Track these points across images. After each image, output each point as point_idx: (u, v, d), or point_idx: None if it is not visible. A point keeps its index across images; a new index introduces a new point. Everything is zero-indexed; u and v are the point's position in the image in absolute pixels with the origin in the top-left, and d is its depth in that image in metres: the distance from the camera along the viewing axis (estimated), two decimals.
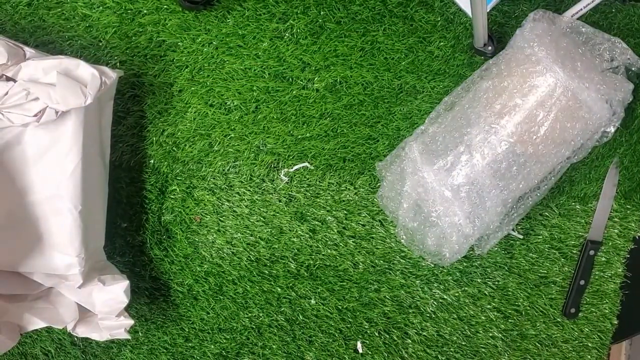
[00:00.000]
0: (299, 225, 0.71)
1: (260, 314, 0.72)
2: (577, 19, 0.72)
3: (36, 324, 0.63)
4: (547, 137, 0.61)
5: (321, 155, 0.71)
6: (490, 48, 0.70)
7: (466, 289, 0.73)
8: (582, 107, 0.61)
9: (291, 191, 0.71)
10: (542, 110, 0.60)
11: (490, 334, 0.74)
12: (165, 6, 0.69)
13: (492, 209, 0.62)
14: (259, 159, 0.71)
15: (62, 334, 0.71)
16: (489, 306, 0.73)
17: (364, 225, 0.72)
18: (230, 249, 0.71)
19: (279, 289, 0.72)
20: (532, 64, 0.61)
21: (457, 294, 0.73)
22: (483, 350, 0.74)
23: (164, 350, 0.73)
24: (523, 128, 0.60)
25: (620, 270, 0.74)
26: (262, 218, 0.71)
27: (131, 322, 0.63)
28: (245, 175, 0.71)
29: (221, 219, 0.71)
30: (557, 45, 0.62)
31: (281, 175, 0.71)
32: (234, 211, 0.71)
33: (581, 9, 0.72)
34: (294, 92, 0.70)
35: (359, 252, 0.72)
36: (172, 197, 0.71)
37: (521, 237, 0.73)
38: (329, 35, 0.70)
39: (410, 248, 0.68)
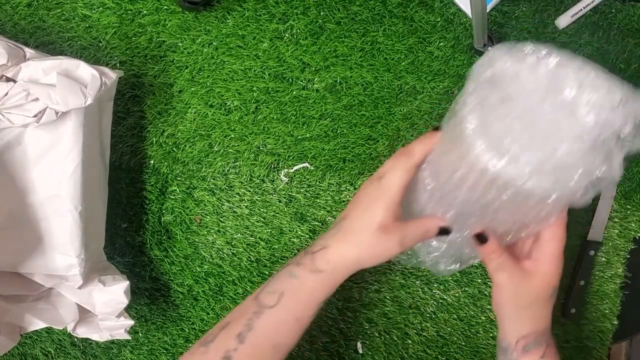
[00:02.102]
0: (299, 226, 0.71)
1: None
2: (577, 19, 0.72)
3: (36, 324, 0.63)
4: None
5: (321, 155, 0.71)
6: (490, 48, 0.69)
7: (466, 289, 0.73)
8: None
9: (291, 192, 0.71)
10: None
11: (491, 335, 0.74)
12: (165, 7, 0.69)
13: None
14: (258, 160, 0.71)
15: (62, 334, 0.71)
16: (489, 306, 0.73)
17: None
18: (231, 249, 0.71)
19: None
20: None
21: (457, 295, 0.73)
22: (483, 350, 0.74)
23: (164, 351, 0.73)
24: None
25: (620, 271, 0.74)
26: (262, 219, 0.71)
27: (131, 322, 0.63)
28: (245, 175, 0.71)
29: (221, 219, 0.71)
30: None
31: (281, 176, 0.71)
32: (234, 212, 0.71)
33: (581, 10, 0.72)
34: (294, 92, 0.70)
35: None
36: (172, 197, 0.71)
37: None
38: (329, 35, 0.70)
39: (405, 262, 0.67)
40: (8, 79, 0.54)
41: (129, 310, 0.64)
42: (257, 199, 0.71)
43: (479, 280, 0.73)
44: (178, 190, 0.71)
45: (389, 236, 0.53)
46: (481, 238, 0.55)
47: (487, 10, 0.70)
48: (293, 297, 0.53)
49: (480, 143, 0.46)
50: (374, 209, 0.54)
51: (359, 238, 0.54)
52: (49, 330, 0.71)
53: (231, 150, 0.70)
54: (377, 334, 0.73)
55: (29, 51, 0.57)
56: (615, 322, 0.75)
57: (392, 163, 0.55)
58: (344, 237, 0.54)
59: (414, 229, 0.55)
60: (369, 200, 0.55)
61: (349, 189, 0.71)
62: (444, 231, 0.56)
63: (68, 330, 0.65)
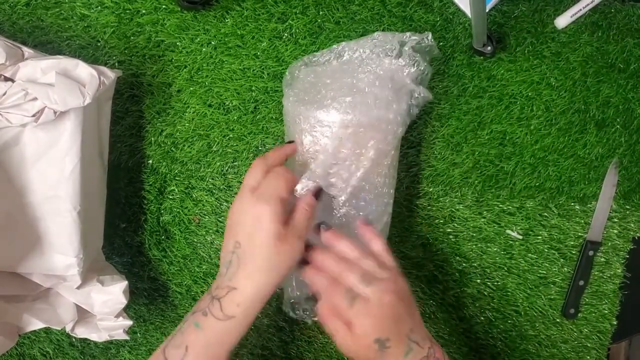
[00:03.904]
0: None
1: (260, 315, 0.72)
2: (577, 19, 0.72)
3: (35, 324, 0.63)
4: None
5: None
6: (489, 48, 0.70)
7: (465, 289, 0.73)
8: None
9: None
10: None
11: (490, 335, 0.74)
12: (163, 6, 0.68)
13: None
14: None
15: (61, 334, 0.71)
16: (488, 307, 0.73)
17: None
18: None
19: (278, 290, 0.71)
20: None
21: (456, 295, 0.73)
22: (482, 350, 0.74)
23: None
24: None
25: (619, 271, 0.74)
26: None
27: (130, 322, 0.63)
28: (244, 176, 0.70)
29: (220, 219, 0.71)
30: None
31: None
32: None
33: (580, 9, 0.72)
34: None
35: None
36: (170, 197, 0.71)
37: (520, 237, 0.73)
38: (327, 35, 0.70)
39: None
40: (6, 79, 0.54)
41: (127, 310, 0.64)
42: None
43: (478, 281, 0.73)
44: (177, 190, 0.70)
45: (288, 240, 0.52)
46: (314, 298, 0.57)
47: (487, 10, 0.70)
48: (199, 352, 0.50)
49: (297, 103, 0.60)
50: (263, 226, 0.52)
51: (263, 264, 0.51)
52: (47, 331, 0.71)
53: (230, 150, 0.70)
54: None
55: (27, 50, 0.57)
56: (615, 323, 0.75)
57: (257, 174, 0.55)
58: (248, 272, 0.51)
59: (299, 215, 0.54)
60: (252, 219, 0.52)
61: None
62: (317, 193, 0.57)
63: (66, 331, 0.65)
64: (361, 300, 0.51)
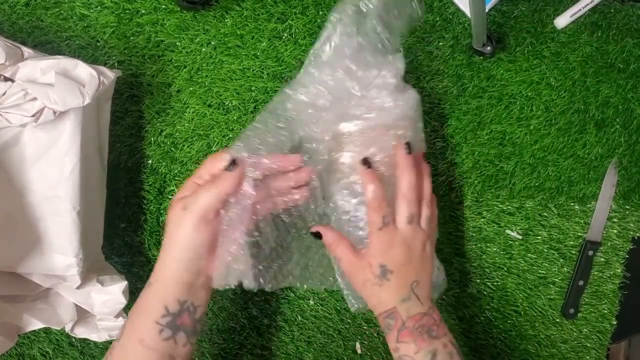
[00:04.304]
0: None
1: (259, 315, 0.72)
2: (577, 19, 0.72)
3: (34, 324, 0.63)
4: None
5: None
6: (489, 48, 0.70)
7: (465, 289, 0.73)
8: None
9: None
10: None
11: (490, 335, 0.74)
12: (163, 6, 0.68)
13: None
14: None
15: (61, 334, 0.71)
16: (488, 307, 0.73)
17: None
18: None
19: (277, 290, 0.72)
20: None
21: (456, 294, 0.73)
22: (482, 350, 0.74)
23: None
24: None
25: (619, 271, 0.74)
26: None
27: None
28: None
29: None
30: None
31: None
32: None
33: (580, 9, 0.72)
34: None
35: None
36: (170, 197, 0.71)
37: (520, 237, 0.73)
38: None
39: None
40: (6, 79, 0.54)
41: (127, 310, 0.64)
42: None
43: (478, 280, 0.73)
44: (176, 190, 0.70)
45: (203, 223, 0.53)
46: (316, 235, 0.58)
47: (486, 10, 0.70)
48: (132, 323, 0.53)
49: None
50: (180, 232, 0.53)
51: (176, 239, 0.53)
52: (47, 331, 0.71)
53: None
54: (375, 335, 0.73)
55: (27, 50, 0.57)
56: (614, 323, 0.75)
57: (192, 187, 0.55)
58: (166, 244, 0.54)
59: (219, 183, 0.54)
60: (176, 226, 0.54)
61: None
62: (232, 162, 0.54)
63: (66, 331, 0.65)
64: (386, 228, 0.55)
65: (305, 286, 0.69)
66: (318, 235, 0.59)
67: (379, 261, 0.55)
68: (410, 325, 0.55)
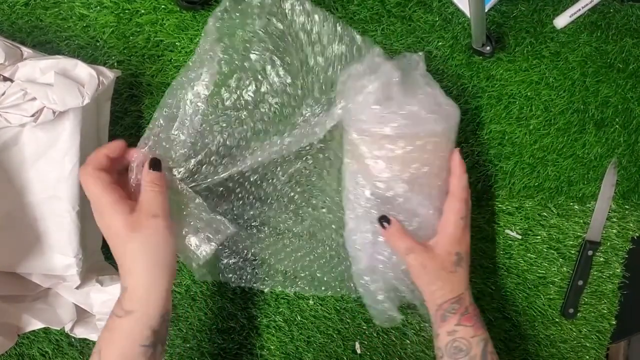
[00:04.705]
0: None
1: (259, 315, 0.72)
2: (576, 19, 0.72)
3: (34, 324, 0.63)
4: None
5: None
6: (488, 48, 0.70)
7: None
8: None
9: None
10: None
11: (490, 335, 0.74)
12: (162, 6, 0.68)
13: None
14: None
15: (60, 334, 0.71)
16: (487, 307, 0.73)
17: None
18: None
19: (277, 290, 0.71)
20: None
21: None
22: None
23: None
24: None
25: (618, 271, 0.74)
26: None
27: None
28: None
29: None
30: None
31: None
32: None
33: (579, 9, 0.72)
34: None
35: None
36: None
37: (520, 237, 0.73)
38: None
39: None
40: (5, 79, 0.54)
41: None
42: None
43: (478, 280, 0.73)
44: None
45: (142, 224, 0.51)
46: (384, 220, 0.57)
47: (486, 10, 0.70)
48: (110, 351, 0.51)
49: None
50: (110, 228, 0.52)
51: (133, 257, 0.52)
52: (46, 331, 0.70)
53: None
54: (375, 334, 0.73)
55: (26, 50, 0.57)
56: (614, 322, 0.75)
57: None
58: (126, 269, 0.52)
59: (144, 195, 0.53)
60: (101, 225, 0.53)
61: None
62: (154, 164, 0.55)
63: (66, 331, 0.65)
64: (465, 218, 0.60)
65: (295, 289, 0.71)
66: (385, 221, 0.58)
67: (456, 249, 0.59)
68: (471, 311, 0.59)
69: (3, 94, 0.53)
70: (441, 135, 0.58)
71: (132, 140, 0.69)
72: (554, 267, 0.74)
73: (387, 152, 0.56)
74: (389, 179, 0.57)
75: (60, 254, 0.59)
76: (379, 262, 0.61)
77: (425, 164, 0.58)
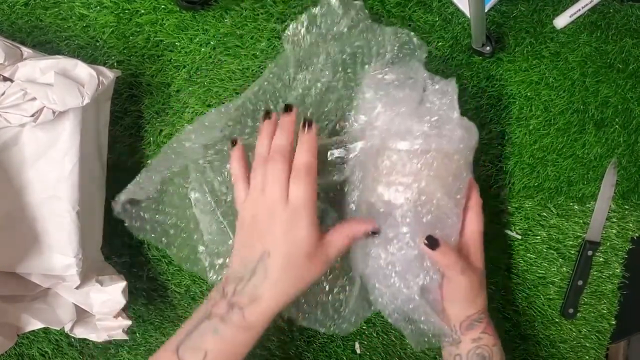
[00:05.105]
0: None
1: None
2: (576, 19, 0.73)
3: (34, 324, 0.63)
4: None
5: None
6: (488, 48, 0.70)
7: None
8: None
9: None
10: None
11: None
12: (162, 6, 0.68)
13: None
14: None
15: (60, 334, 0.71)
16: (487, 307, 0.73)
17: None
18: None
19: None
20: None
21: None
22: None
23: None
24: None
25: (618, 271, 0.74)
26: None
27: (129, 322, 0.63)
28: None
29: None
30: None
31: None
32: None
33: (579, 10, 0.72)
34: None
35: None
36: None
37: (519, 237, 0.73)
38: None
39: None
40: (5, 79, 0.54)
41: (126, 310, 0.64)
42: None
43: None
44: None
45: (316, 260, 0.51)
46: (432, 241, 0.55)
47: (486, 10, 0.70)
48: (216, 358, 0.50)
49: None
50: (297, 237, 0.50)
51: (290, 277, 0.50)
52: (46, 331, 0.70)
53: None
54: (375, 335, 0.73)
55: (26, 50, 0.57)
56: (614, 322, 0.75)
57: (288, 177, 0.51)
58: (274, 283, 0.50)
59: (338, 241, 0.52)
60: (286, 228, 0.50)
61: None
62: (374, 232, 0.55)
63: (65, 331, 0.64)
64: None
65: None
66: (434, 243, 0.55)
67: (483, 265, 0.60)
68: (490, 321, 0.61)
69: (3, 93, 0.53)
70: (457, 153, 0.57)
71: (132, 140, 0.69)
72: (554, 267, 0.74)
73: (404, 166, 0.56)
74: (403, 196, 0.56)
75: (60, 254, 0.59)
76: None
77: (440, 181, 0.56)
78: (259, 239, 0.51)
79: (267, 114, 0.56)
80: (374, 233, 0.55)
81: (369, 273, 0.59)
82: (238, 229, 0.55)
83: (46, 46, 0.67)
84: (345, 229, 0.54)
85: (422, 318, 0.58)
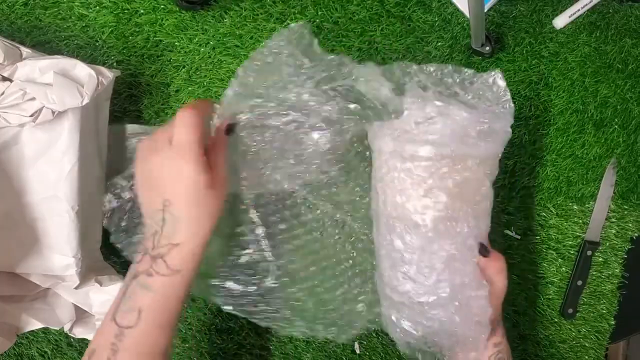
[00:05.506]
0: None
1: None
2: (575, 19, 0.73)
3: (33, 324, 0.63)
4: None
5: None
6: (487, 48, 0.70)
7: None
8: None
9: None
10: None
11: None
12: (162, 6, 0.68)
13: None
14: None
15: (59, 335, 0.71)
16: None
17: None
18: None
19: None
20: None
21: None
22: None
23: None
24: None
25: (617, 271, 0.74)
26: None
27: None
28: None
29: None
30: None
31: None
32: None
33: (579, 10, 0.72)
34: None
35: None
36: None
37: (519, 237, 0.73)
38: (326, 35, 0.70)
39: None
40: (4, 78, 0.54)
41: None
42: None
43: None
44: None
45: (215, 184, 0.51)
46: (483, 249, 0.56)
47: (485, 10, 0.70)
48: (152, 311, 0.50)
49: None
50: (189, 180, 0.50)
51: (198, 215, 0.51)
52: (45, 331, 0.70)
53: None
54: (374, 335, 0.73)
55: (25, 50, 0.57)
56: (613, 322, 0.75)
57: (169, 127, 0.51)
58: (185, 225, 0.50)
59: (218, 157, 0.52)
60: (175, 175, 0.50)
61: None
62: (230, 128, 0.54)
63: (65, 331, 0.64)
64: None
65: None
66: (486, 251, 0.56)
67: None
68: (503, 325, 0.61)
69: (2, 93, 0.53)
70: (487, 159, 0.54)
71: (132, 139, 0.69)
72: (553, 267, 0.74)
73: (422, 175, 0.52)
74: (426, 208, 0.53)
75: (59, 253, 0.59)
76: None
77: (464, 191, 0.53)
78: (156, 190, 0.52)
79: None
80: (230, 129, 0.54)
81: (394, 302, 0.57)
82: (137, 189, 0.55)
83: (45, 46, 0.67)
84: (218, 143, 0.53)
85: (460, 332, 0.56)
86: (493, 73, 0.55)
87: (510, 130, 0.54)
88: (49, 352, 0.71)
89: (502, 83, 0.55)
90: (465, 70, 0.55)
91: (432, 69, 0.55)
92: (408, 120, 0.52)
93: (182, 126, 0.50)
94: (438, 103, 0.51)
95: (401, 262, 0.54)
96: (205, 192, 0.50)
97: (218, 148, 0.53)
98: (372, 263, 0.61)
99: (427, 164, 0.52)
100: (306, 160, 0.56)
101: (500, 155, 0.56)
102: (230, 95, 0.55)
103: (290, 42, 0.55)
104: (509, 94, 0.55)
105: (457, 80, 0.56)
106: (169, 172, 0.51)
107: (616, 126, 0.74)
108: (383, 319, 0.60)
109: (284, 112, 0.54)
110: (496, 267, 0.57)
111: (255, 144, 0.56)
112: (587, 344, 0.75)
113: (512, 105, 0.54)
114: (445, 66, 0.56)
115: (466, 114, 0.51)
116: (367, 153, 0.60)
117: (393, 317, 0.57)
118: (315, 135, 0.54)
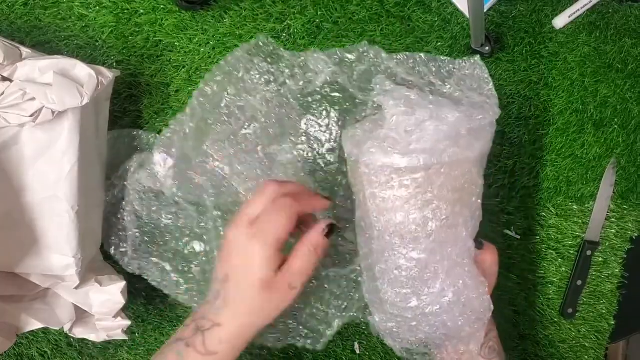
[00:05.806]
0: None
1: None
2: (575, 19, 0.73)
3: (33, 324, 0.63)
4: None
5: None
6: (487, 48, 0.70)
7: None
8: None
9: None
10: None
11: None
12: (162, 6, 0.68)
13: None
14: None
15: (59, 335, 0.71)
16: None
17: None
18: None
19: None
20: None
21: None
22: None
23: None
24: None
25: (617, 271, 0.74)
26: None
27: (128, 322, 0.63)
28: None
29: None
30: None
31: None
32: None
33: (578, 10, 0.72)
34: None
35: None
36: None
37: (519, 237, 0.73)
38: (326, 35, 0.70)
39: None
40: (4, 79, 0.54)
41: (125, 310, 0.64)
42: None
43: None
44: None
45: (278, 288, 0.49)
46: (478, 242, 0.56)
47: (485, 10, 0.70)
48: None
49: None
50: (252, 269, 0.48)
51: (248, 307, 0.49)
52: (45, 331, 0.70)
53: None
54: (374, 335, 0.73)
55: (25, 50, 0.57)
56: (613, 322, 0.75)
57: (261, 203, 0.50)
58: (233, 311, 0.49)
59: (299, 262, 0.50)
60: (243, 256, 0.49)
61: None
62: (330, 230, 0.51)
63: (65, 331, 0.64)
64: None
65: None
66: (480, 244, 0.56)
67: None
68: None
69: (2, 93, 0.53)
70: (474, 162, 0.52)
71: (131, 139, 0.69)
72: (553, 267, 0.74)
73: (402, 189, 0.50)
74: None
75: (59, 254, 0.59)
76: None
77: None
78: (226, 261, 0.51)
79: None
80: (330, 231, 0.51)
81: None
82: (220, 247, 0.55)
83: (45, 46, 0.67)
84: (305, 242, 0.51)
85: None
86: (472, 60, 0.53)
87: (495, 122, 0.53)
88: (49, 352, 0.71)
89: (482, 70, 0.53)
90: (441, 58, 0.53)
91: (402, 57, 0.53)
92: (397, 128, 0.49)
93: (272, 213, 0.48)
94: (430, 106, 0.49)
95: (404, 279, 0.53)
96: (262, 292, 0.48)
97: (303, 255, 0.50)
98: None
99: (423, 176, 0.49)
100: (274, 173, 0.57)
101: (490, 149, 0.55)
102: (194, 104, 0.57)
103: (250, 52, 0.56)
104: (491, 82, 0.53)
105: (434, 69, 0.53)
106: (237, 250, 0.49)
107: (616, 126, 0.74)
108: (376, 329, 0.59)
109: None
110: (490, 259, 0.58)
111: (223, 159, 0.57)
112: (587, 344, 0.75)
113: (494, 93, 0.53)
114: (418, 54, 0.53)
115: (458, 113, 0.49)
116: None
117: (393, 330, 0.56)
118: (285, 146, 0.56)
